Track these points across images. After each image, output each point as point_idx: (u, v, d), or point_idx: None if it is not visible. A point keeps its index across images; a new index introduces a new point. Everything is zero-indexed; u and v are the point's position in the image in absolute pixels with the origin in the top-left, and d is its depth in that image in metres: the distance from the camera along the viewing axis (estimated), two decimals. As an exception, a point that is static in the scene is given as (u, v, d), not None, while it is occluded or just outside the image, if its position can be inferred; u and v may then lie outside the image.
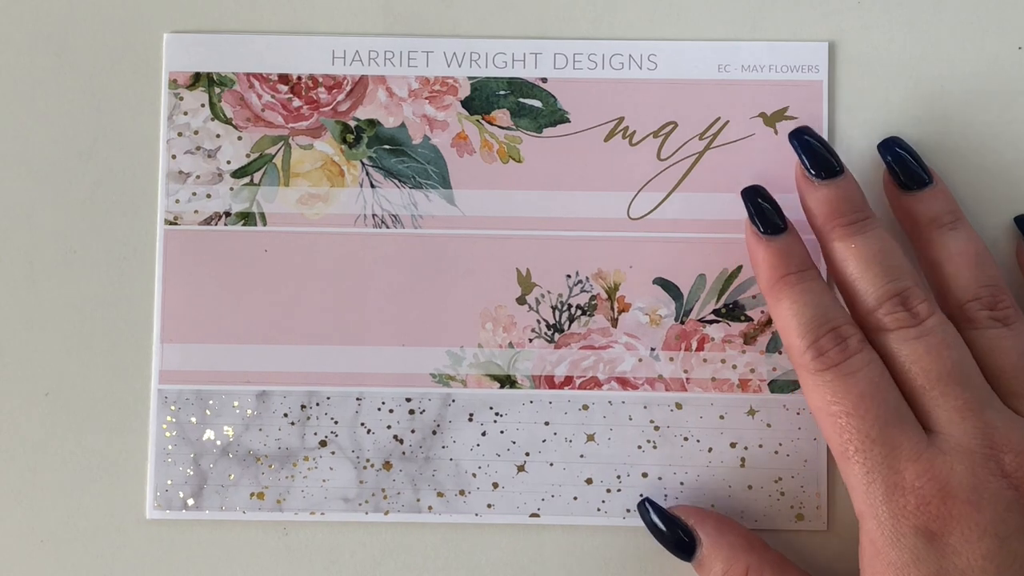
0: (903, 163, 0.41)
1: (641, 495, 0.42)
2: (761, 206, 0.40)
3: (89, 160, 0.43)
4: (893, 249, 0.39)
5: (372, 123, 0.43)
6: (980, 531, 0.35)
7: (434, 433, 0.42)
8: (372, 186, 0.43)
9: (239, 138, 0.43)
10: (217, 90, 0.43)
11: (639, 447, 0.42)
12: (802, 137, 0.41)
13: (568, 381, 0.42)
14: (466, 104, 0.43)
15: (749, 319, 0.42)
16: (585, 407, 0.42)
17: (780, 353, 0.42)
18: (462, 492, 0.42)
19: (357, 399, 0.42)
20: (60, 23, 0.43)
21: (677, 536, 0.40)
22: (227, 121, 0.43)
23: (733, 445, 0.42)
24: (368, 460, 0.42)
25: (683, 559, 0.40)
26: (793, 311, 0.38)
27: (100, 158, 0.43)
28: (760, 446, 0.42)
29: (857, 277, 0.39)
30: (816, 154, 0.40)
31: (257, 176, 0.43)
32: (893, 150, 0.41)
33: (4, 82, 0.43)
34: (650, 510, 0.41)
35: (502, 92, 0.43)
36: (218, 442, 0.42)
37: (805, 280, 0.39)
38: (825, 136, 0.43)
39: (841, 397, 0.37)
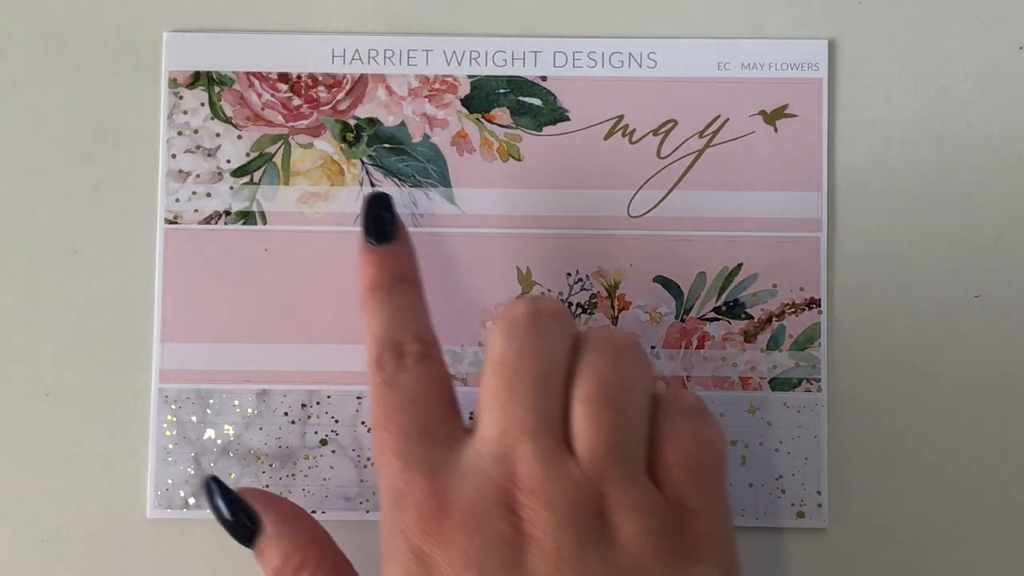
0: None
1: (207, 476, 0.39)
2: (371, 213, 0.40)
3: (89, 159, 0.43)
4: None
5: (372, 122, 0.43)
6: (466, 560, 0.33)
7: (435, 432, 0.42)
8: (372, 185, 0.43)
9: (239, 137, 0.43)
10: (217, 89, 0.43)
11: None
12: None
13: (568, 379, 0.42)
14: (466, 102, 0.43)
15: (749, 317, 0.42)
16: (586, 405, 0.42)
17: (781, 351, 0.42)
18: (463, 491, 0.42)
19: (358, 398, 0.42)
20: (59, 22, 0.43)
21: (240, 520, 0.38)
22: (227, 120, 0.43)
23: (734, 443, 0.42)
24: (369, 459, 0.42)
25: (244, 545, 0.38)
26: (368, 324, 0.38)
27: (100, 157, 0.43)
28: (761, 444, 0.42)
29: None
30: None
31: (257, 175, 0.43)
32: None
33: (4, 82, 0.43)
34: (215, 491, 0.38)
35: (502, 90, 0.43)
36: (219, 441, 0.42)
37: (393, 295, 0.38)
38: (824, 135, 0.43)
39: (378, 408, 0.36)
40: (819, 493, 0.42)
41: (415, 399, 0.36)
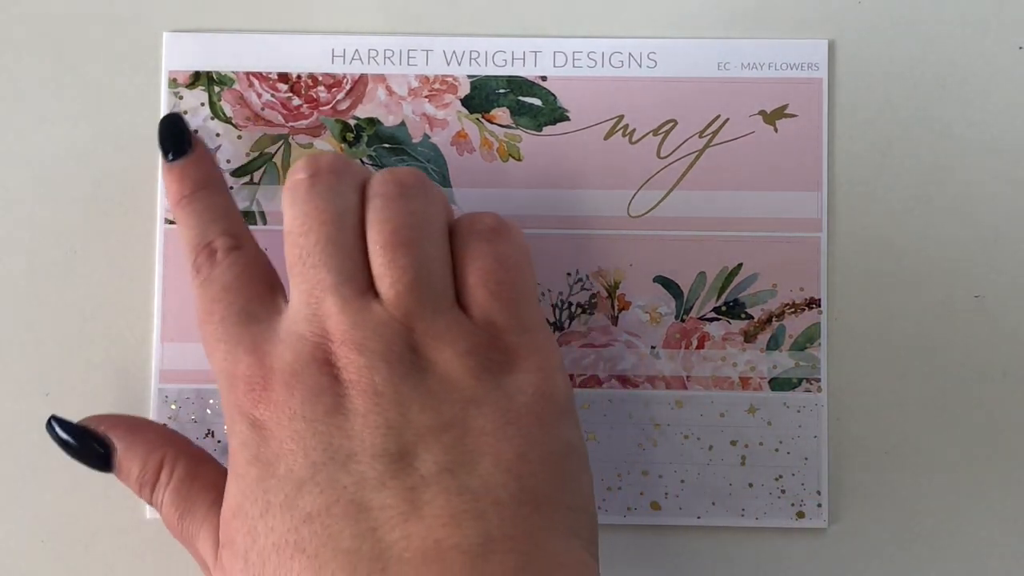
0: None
1: (49, 418, 0.39)
2: (164, 132, 0.41)
3: (89, 159, 0.43)
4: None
5: (372, 122, 0.43)
6: (291, 414, 0.34)
7: (434, 432, 0.42)
8: (372, 185, 0.43)
9: (239, 137, 0.43)
10: (217, 89, 0.43)
11: (639, 445, 0.42)
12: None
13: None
14: (466, 102, 0.43)
15: (750, 317, 0.42)
16: (586, 405, 0.42)
17: (780, 351, 0.42)
18: (463, 491, 0.42)
19: (357, 398, 0.42)
20: (59, 22, 0.43)
21: (91, 447, 0.39)
22: (227, 120, 0.43)
23: (733, 443, 0.42)
24: (368, 459, 0.42)
25: (103, 470, 0.39)
26: (181, 235, 0.40)
27: (100, 157, 0.43)
28: (760, 444, 0.42)
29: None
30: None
31: (257, 175, 0.43)
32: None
33: (4, 82, 0.43)
34: (56, 427, 0.39)
35: (502, 90, 0.43)
36: (219, 441, 0.42)
37: (195, 201, 0.40)
38: (824, 134, 0.43)
39: (199, 304, 0.38)
40: (819, 493, 0.42)
41: (229, 287, 0.37)
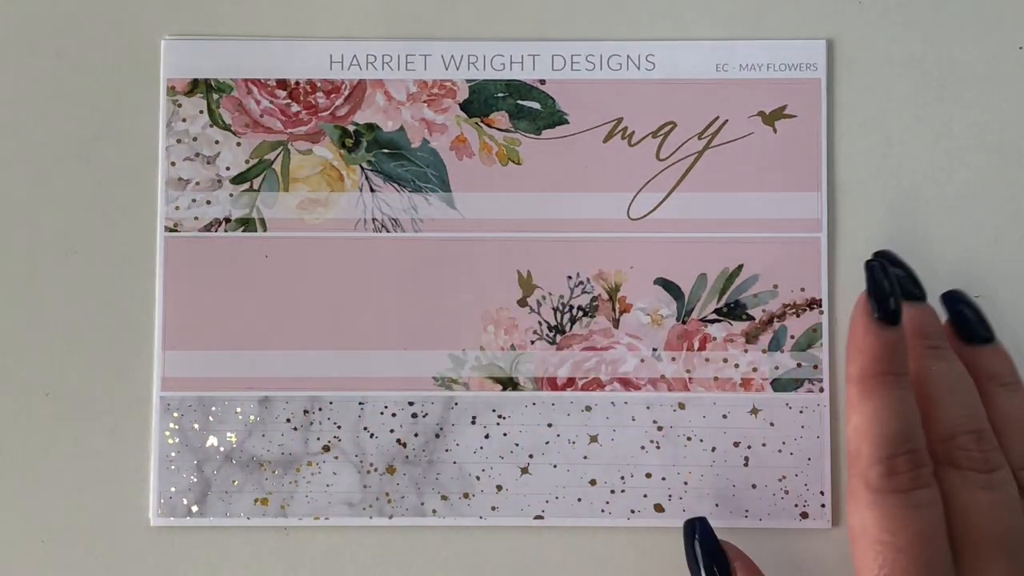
0: (964, 320, 0.39)
1: (695, 517, 0.40)
2: (883, 286, 0.37)
3: (88, 167, 0.43)
4: (971, 387, 0.37)
5: (371, 127, 0.43)
6: None
7: (437, 436, 0.42)
8: (372, 190, 0.43)
9: (238, 144, 0.43)
10: (215, 96, 0.43)
11: (642, 447, 0.42)
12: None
13: (570, 382, 0.42)
14: (465, 107, 0.43)
15: (751, 318, 0.42)
16: (588, 408, 0.42)
17: (782, 352, 0.42)
18: (466, 495, 0.42)
19: (360, 403, 0.42)
20: (59, 28, 0.43)
21: (712, 573, 0.38)
22: (226, 127, 0.43)
23: (736, 444, 0.42)
24: (371, 464, 0.42)
25: None
26: (879, 417, 0.35)
27: (99, 165, 0.43)
28: (763, 445, 0.42)
29: (936, 399, 0.36)
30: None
31: (256, 182, 0.43)
32: (955, 305, 0.40)
33: (4, 88, 0.43)
34: (696, 533, 0.39)
35: (500, 94, 0.43)
36: (221, 448, 0.42)
37: (901, 387, 0.36)
38: (823, 134, 0.43)
39: (898, 528, 0.34)
40: (822, 494, 0.42)
41: (936, 528, 0.35)
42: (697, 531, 0.39)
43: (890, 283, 0.37)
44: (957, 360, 0.38)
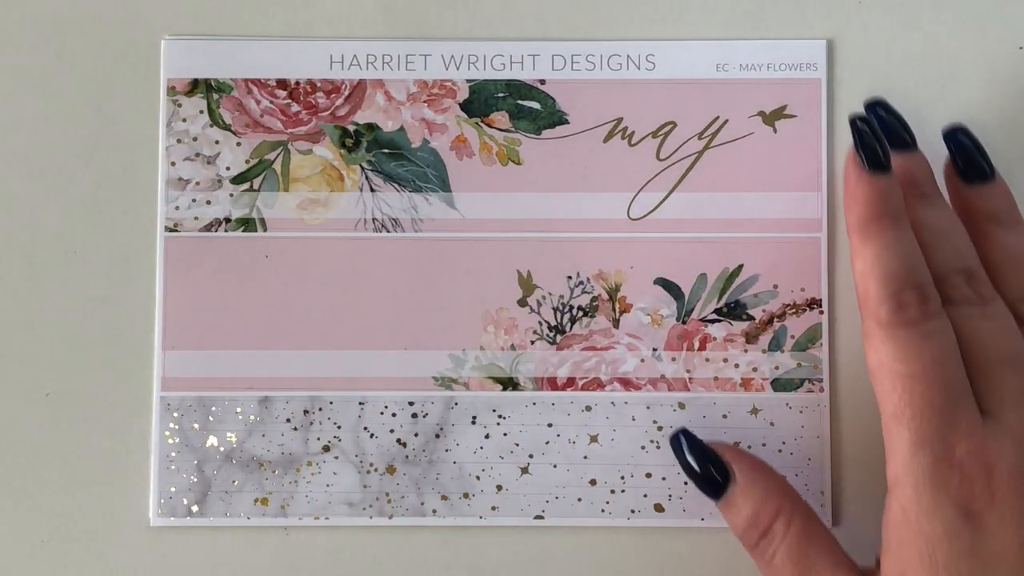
0: (966, 154, 0.40)
1: (678, 429, 0.41)
2: (868, 137, 0.38)
3: (88, 167, 0.43)
4: (961, 230, 0.39)
5: (371, 127, 0.43)
6: (1021, 518, 0.35)
7: (437, 436, 0.42)
8: (372, 190, 0.43)
9: (238, 144, 0.43)
10: (215, 96, 0.43)
11: (643, 447, 0.42)
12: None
13: (570, 382, 0.42)
14: (465, 107, 0.43)
15: (751, 318, 0.42)
16: (588, 408, 0.42)
17: (782, 352, 0.42)
18: (466, 495, 0.42)
19: (360, 403, 0.42)
20: (59, 28, 0.43)
21: (709, 473, 0.39)
22: (226, 127, 0.43)
23: (737, 444, 0.42)
24: (371, 464, 0.42)
25: (711, 497, 0.39)
26: (880, 257, 0.37)
27: (99, 165, 0.43)
28: (763, 445, 0.42)
29: (926, 245, 0.38)
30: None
31: (257, 182, 0.43)
32: (957, 139, 0.40)
33: (4, 86, 0.43)
34: (683, 444, 0.40)
35: (500, 94, 0.43)
36: (221, 448, 0.42)
37: (898, 227, 0.37)
38: (824, 134, 0.43)
39: (912, 359, 0.36)
40: (822, 493, 0.42)
41: (949, 353, 0.36)
42: (685, 443, 0.40)
43: (874, 133, 0.38)
44: (946, 205, 0.39)
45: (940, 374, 0.36)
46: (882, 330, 0.36)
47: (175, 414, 0.42)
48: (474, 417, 0.42)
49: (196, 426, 0.42)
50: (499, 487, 0.42)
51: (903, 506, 0.36)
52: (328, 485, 0.42)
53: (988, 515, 0.35)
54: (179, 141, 0.43)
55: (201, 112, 0.43)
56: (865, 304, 0.37)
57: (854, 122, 0.38)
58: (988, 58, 0.43)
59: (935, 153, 0.41)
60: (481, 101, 0.43)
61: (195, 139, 0.43)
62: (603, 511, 0.42)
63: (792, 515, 0.38)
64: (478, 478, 0.42)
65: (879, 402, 0.37)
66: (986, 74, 0.43)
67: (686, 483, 0.42)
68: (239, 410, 0.42)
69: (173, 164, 0.43)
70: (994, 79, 0.43)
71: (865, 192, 0.37)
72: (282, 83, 0.43)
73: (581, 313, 0.43)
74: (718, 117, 0.43)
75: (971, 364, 0.37)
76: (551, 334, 0.42)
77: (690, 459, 0.40)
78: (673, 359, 0.42)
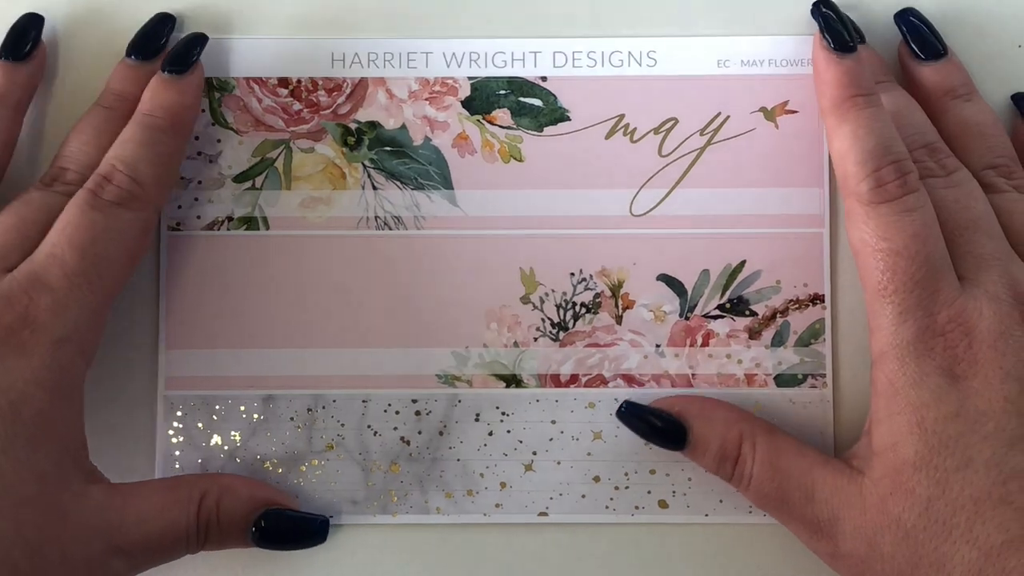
0: (918, 33, 0.41)
1: (620, 402, 0.42)
2: (832, 21, 0.40)
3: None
4: (917, 108, 0.40)
5: (373, 125, 0.43)
6: (1003, 375, 0.36)
7: (441, 434, 0.42)
8: (374, 188, 0.43)
9: (240, 142, 0.43)
10: (217, 95, 0.43)
11: (646, 444, 0.42)
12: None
13: (574, 379, 0.42)
14: (466, 104, 0.43)
15: (754, 314, 0.42)
16: (591, 405, 0.42)
17: (785, 347, 0.42)
18: (470, 492, 0.42)
19: (363, 401, 0.42)
20: (60, 27, 0.43)
21: (669, 428, 0.41)
22: (228, 126, 0.43)
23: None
24: (375, 462, 0.42)
25: (675, 450, 0.41)
26: (856, 135, 0.38)
27: (101, 165, 0.43)
28: (767, 440, 0.42)
29: None
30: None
31: (259, 180, 0.43)
32: (908, 20, 0.42)
33: (3, 91, 0.43)
34: (631, 414, 0.41)
35: (502, 92, 0.43)
36: (225, 447, 0.42)
37: (872, 105, 0.38)
38: (825, 130, 0.43)
39: (893, 234, 0.37)
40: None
41: (930, 226, 0.37)
42: (630, 414, 0.41)
43: (839, 17, 0.40)
44: (900, 89, 0.41)
45: (921, 248, 0.37)
46: (863, 208, 0.38)
47: (179, 413, 0.42)
48: (477, 414, 0.42)
49: (200, 425, 0.42)
50: (503, 484, 0.42)
51: (890, 378, 0.37)
52: (332, 483, 0.42)
53: (972, 377, 0.36)
54: (181, 140, 0.43)
55: (203, 111, 0.43)
56: (845, 184, 0.38)
57: (817, 6, 0.40)
58: (988, 57, 0.43)
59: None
60: (483, 98, 0.43)
61: (197, 138, 0.43)
62: (607, 508, 0.42)
63: (754, 434, 0.39)
64: (482, 475, 0.42)
65: (862, 280, 0.38)
66: (986, 73, 0.43)
67: (690, 479, 0.42)
68: (243, 409, 0.42)
69: (175, 163, 0.43)
70: (994, 78, 0.43)
71: (835, 73, 0.39)
72: (284, 81, 0.43)
73: (584, 310, 0.43)
74: (720, 113, 0.43)
75: (944, 233, 0.38)
76: (554, 331, 0.42)
77: (642, 425, 0.41)
78: (676, 355, 0.42)
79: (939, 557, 0.35)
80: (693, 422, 0.40)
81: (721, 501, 0.42)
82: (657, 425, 0.41)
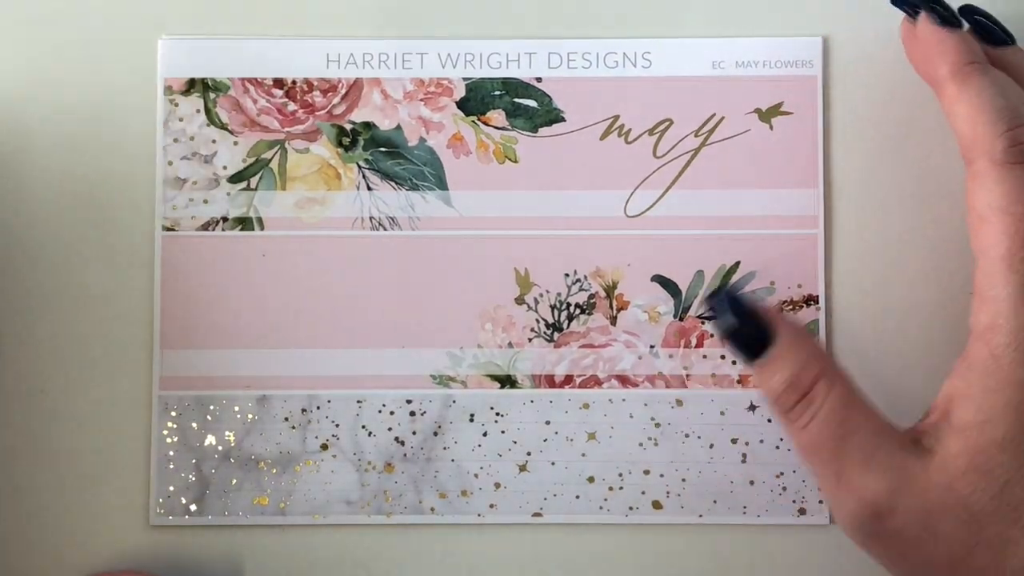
0: (984, 28, 0.40)
1: (718, 290, 0.41)
2: (937, 2, 0.39)
3: (86, 166, 0.43)
4: (1012, 82, 0.38)
5: (368, 126, 0.43)
6: None
7: (435, 434, 0.42)
8: (369, 188, 0.43)
9: (235, 143, 0.43)
10: (212, 95, 0.43)
11: (640, 445, 0.42)
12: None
13: (568, 380, 0.42)
14: (461, 105, 0.43)
15: (748, 315, 0.42)
16: (586, 406, 0.42)
17: (779, 348, 0.42)
18: (464, 493, 0.42)
19: (358, 402, 0.42)
20: (55, 28, 0.43)
21: (753, 330, 0.37)
22: (223, 126, 0.43)
23: (734, 441, 0.42)
24: (370, 462, 0.42)
25: (748, 357, 0.37)
26: (984, 95, 0.37)
27: (96, 164, 0.43)
28: (761, 441, 0.42)
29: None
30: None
31: (254, 181, 0.43)
32: (972, 19, 0.40)
33: (1, 87, 0.43)
34: (728, 302, 0.37)
35: (497, 92, 0.43)
36: (220, 447, 0.42)
37: (991, 71, 0.38)
38: (820, 131, 0.43)
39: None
40: (820, 490, 0.42)
41: None
42: (728, 303, 0.37)
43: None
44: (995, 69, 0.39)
45: None
46: (996, 169, 0.36)
47: (173, 413, 0.42)
48: (472, 415, 0.42)
49: (194, 425, 0.42)
50: (497, 485, 0.42)
51: (995, 353, 0.35)
52: (326, 484, 0.42)
53: None
54: (176, 140, 0.43)
55: (198, 111, 0.43)
56: (975, 147, 0.36)
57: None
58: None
59: (928, 146, 0.41)
60: (478, 99, 0.43)
61: (192, 138, 0.43)
62: (601, 508, 0.42)
63: (834, 379, 0.37)
64: (476, 476, 0.42)
65: (982, 246, 0.36)
66: None
67: (684, 480, 0.42)
68: (237, 409, 0.42)
69: (170, 163, 0.43)
70: None
71: (953, 43, 0.38)
72: (279, 82, 0.43)
73: (578, 311, 0.43)
74: (714, 114, 0.43)
75: None
76: (549, 332, 0.42)
77: (731, 319, 0.37)
78: (671, 356, 0.42)
79: (1001, 541, 0.34)
80: (782, 339, 0.37)
81: (715, 502, 0.42)
82: (747, 323, 0.37)
